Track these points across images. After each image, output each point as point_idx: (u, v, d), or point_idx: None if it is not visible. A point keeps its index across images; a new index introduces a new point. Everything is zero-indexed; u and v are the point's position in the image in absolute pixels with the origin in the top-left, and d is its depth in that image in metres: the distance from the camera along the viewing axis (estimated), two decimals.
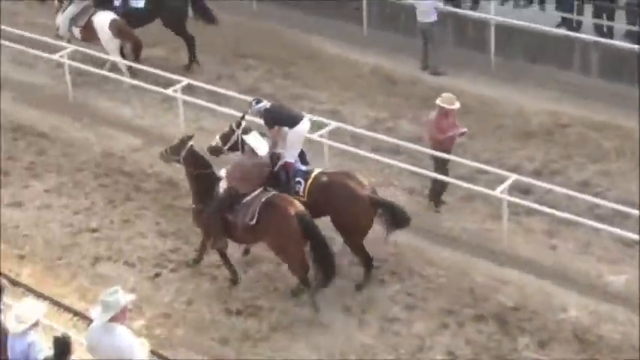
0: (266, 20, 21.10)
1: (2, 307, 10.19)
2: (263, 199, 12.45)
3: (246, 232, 12.58)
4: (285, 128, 13.17)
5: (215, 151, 13.31)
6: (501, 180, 13.81)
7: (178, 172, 14.23)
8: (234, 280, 13.18)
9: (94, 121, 17.49)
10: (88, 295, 12.93)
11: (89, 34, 18.69)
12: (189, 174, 13.09)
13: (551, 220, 14.01)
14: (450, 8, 19.39)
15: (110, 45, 18.49)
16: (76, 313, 12.49)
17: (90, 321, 10.40)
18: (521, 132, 16.60)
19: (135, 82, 17.93)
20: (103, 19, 18.47)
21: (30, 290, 12.76)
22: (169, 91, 16.81)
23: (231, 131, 13.17)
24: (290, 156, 13.18)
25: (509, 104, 17.46)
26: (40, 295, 12.60)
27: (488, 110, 17.18)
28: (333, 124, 15.36)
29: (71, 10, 18.86)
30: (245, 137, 12.88)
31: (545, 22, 18.56)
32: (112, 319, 9.52)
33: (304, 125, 13.37)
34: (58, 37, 19.25)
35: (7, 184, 15.74)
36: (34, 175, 15.97)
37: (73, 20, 18.82)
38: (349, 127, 15.80)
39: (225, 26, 20.75)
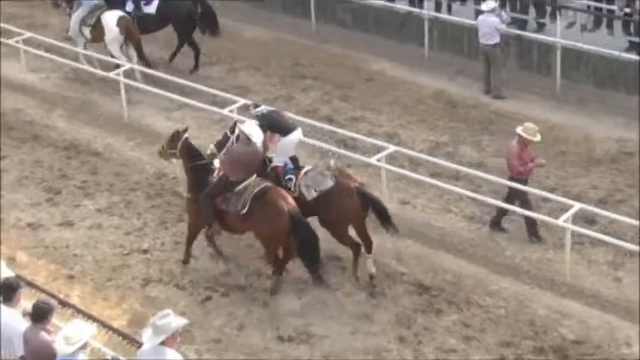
0: (325, 41, 21.23)
1: (51, 328, 10.28)
2: (255, 190, 12.99)
3: (237, 220, 13.18)
4: (278, 135, 13.82)
5: (211, 157, 13.88)
6: (565, 208, 13.70)
7: None
8: (225, 259, 13.94)
9: (147, 140, 17.62)
10: (138, 317, 13.00)
11: (98, 34, 19.43)
12: (185, 166, 13.76)
13: (616, 252, 13.85)
14: (514, 30, 19.34)
15: (113, 43, 19.24)
16: (125, 336, 12.54)
17: (139, 344, 10.47)
18: (587, 159, 16.47)
19: (137, 84, 18.57)
20: (111, 16, 19.25)
21: (79, 311, 12.84)
22: (225, 111, 16.93)
23: (226, 138, 13.68)
24: (279, 161, 13.87)
25: (574, 130, 17.35)
26: (89, 317, 12.67)
27: (552, 136, 17.05)
28: (392, 148, 15.37)
29: (81, 11, 19.63)
30: (241, 126, 13.47)
31: (613, 46, 18.44)
32: (163, 343, 9.58)
33: (296, 135, 14.09)
34: (69, 38, 20.06)
35: (58, 202, 15.92)
36: (86, 194, 16.13)
37: (83, 20, 19.57)
38: (408, 152, 15.79)
39: (284, 46, 20.93)
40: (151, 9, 19.76)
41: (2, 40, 20.38)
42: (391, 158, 15.36)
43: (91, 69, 19.46)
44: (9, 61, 20.66)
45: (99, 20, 19.36)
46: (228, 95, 17.45)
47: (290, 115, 16.03)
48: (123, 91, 18.35)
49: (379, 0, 21.23)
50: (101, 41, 19.52)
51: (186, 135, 13.73)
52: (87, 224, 15.30)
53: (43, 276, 13.96)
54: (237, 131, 13.49)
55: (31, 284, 12.49)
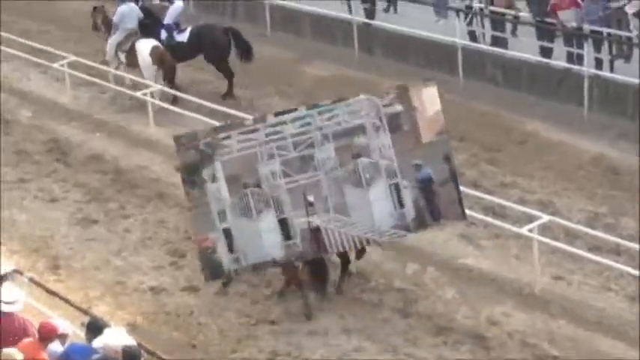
0: (474, 99, 21.16)
1: None
2: None
3: None
4: None
5: None
6: None
7: (372, 264, 14.43)
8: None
9: None
10: None
11: (132, 60, 21.26)
12: None
13: None
14: None
15: (148, 71, 20.96)
16: None
17: None
18: None
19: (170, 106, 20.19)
20: (144, 45, 21.00)
21: None
22: None
23: None
24: None
25: None
26: None
27: None
28: (545, 218, 15.19)
29: (117, 36, 21.48)
30: None
31: None
32: None
33: None
34: (105, 62, 21.90)
35: (182, 266, 16.14)
36: None
37: (119, 45, 21.43)
38: (563, 222, 15.58)
39: None
40: (183, 37, 21.42)
41: (130, 92, 21.06)
42: (544, 229, 15.17)
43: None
44: (135, 114, 21.23)
45: (133, 47, 21.17)
46: None
47: None
48: None
49: (533, 56, 21.17)
50: (136, 67, 21.27)
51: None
52: (212, 290, 15.44)
53: (164, 344, 14.13)
54: None
55: (151, 353, 12.65)
